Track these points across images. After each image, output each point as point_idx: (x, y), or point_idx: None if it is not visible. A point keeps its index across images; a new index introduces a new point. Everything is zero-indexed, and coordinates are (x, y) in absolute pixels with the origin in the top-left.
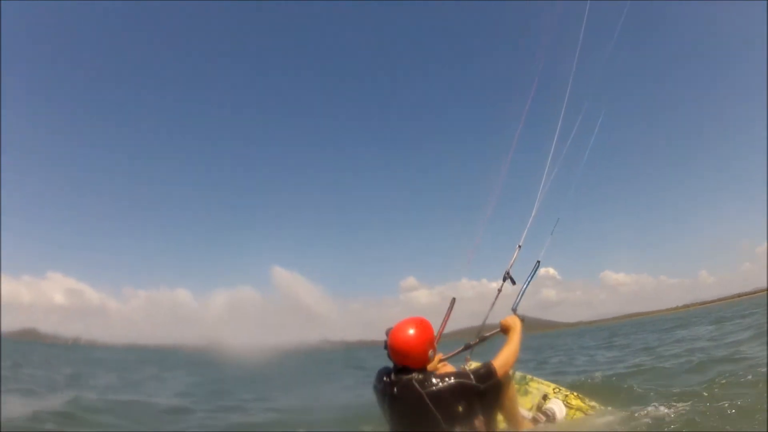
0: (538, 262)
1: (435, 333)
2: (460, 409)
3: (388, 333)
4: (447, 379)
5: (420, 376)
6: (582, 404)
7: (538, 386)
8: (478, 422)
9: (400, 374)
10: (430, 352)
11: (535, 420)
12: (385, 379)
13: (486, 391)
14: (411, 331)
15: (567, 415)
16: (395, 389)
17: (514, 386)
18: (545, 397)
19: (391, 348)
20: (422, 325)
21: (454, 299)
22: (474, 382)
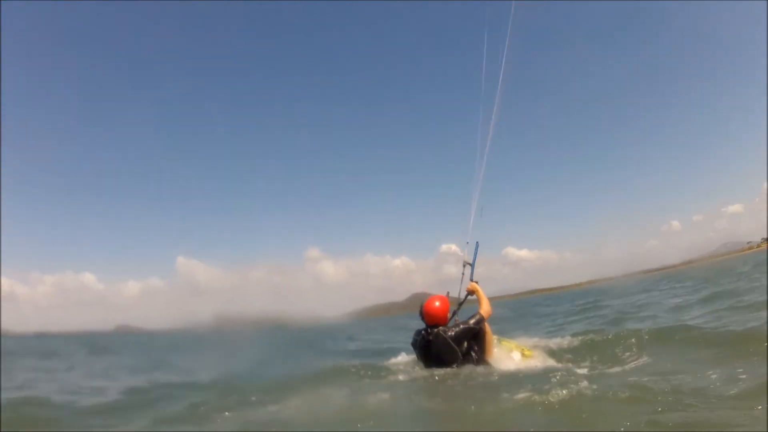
0: (477, 242)
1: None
2: (466, 344)
3: (421, 306)
4: (458, 327)
5: (444, 329)
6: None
7: (506, 344)
8: (474, 353)
9: (433, 329)
10: (449, 315)
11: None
12: (423, 333)
13: (479, 331)
14: (437, 303)
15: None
16: (431, 338)
17: (490, 331)
18: (510, 351)
19: (426, 314)
20: (443, 299)
21: (477, 243)
22: (473, 325)
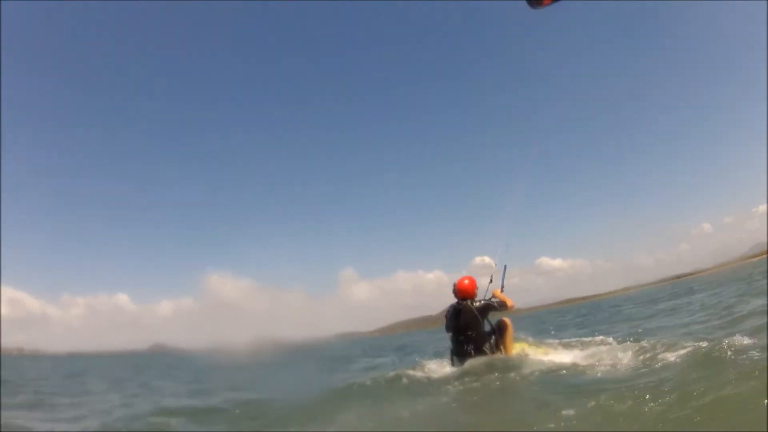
0: (505, 266)
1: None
2: (489, 326)
3: (454, 284)
4: (482, 302)
5: (471, 301)
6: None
7: (520, 345)
8: (494, 337)
9: (462, 301)
10: (476, 291)
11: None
12: (455, 305)
13: (504, 325)
14: (467, 281)
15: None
16: (460, 308)
17: (512, 329)
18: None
19: (458, 289)
20: (472, 278)
21: (505, 266)
22: (493, 303)
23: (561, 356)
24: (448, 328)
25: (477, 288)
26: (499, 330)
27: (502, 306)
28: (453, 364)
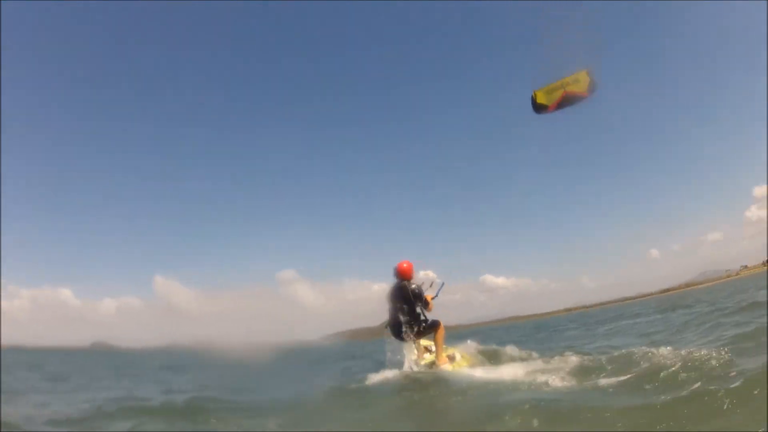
0: (443, 283)
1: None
2: (421, 315)
3: (396, 266)
4: (418, 288)
5: (409, 282)
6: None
7: (451, 349)
8: (424, 323)
9: (402, 282)
10: (413, 273)
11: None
12: (397, 283)
13: (437, 324)
14: (405, 264)
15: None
16: (401, 286)
17: (443, 331)
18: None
19: (399, 270)
20: (410, 262)
21: (443, 283)
22: (423, 295)
23: (495, 370)
24: (389, 300)
25: (414, 274)
26: (432, 326)
27: (425, 304)
28: (388, 333)
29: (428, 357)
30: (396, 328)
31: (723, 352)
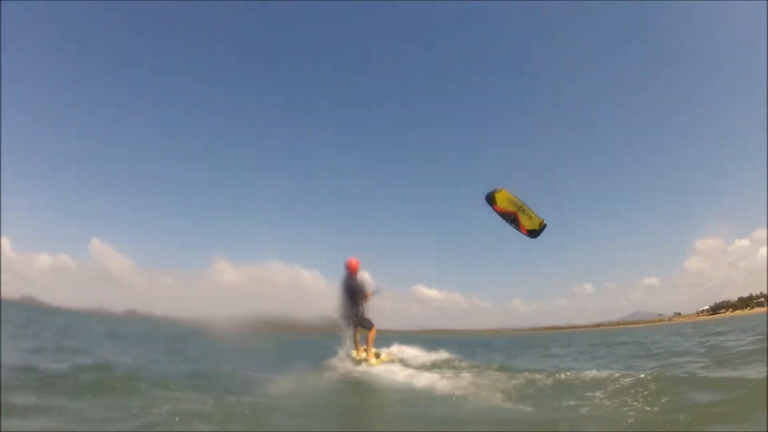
0: (379, 288)
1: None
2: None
3: (346, 262)
4: (362, 284)
5: (356, 279)
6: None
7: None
8: (364, 319)
9: (351, 278)
10: (359, 270)
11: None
12: (349, 278)
13: (368, 322)
14: (354, 261)
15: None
16: (350, 283)
17: (374, 332)
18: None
19: (351, 266)
20: (357, 261)
21: (379, 288)
22: (361, 287)
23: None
24: (343, 293)
25: (359, 271)
26: (368, 324)
27: (364, 297)
28: (342, 323)
29: (361, 354)
30: (347, 318)
31: None
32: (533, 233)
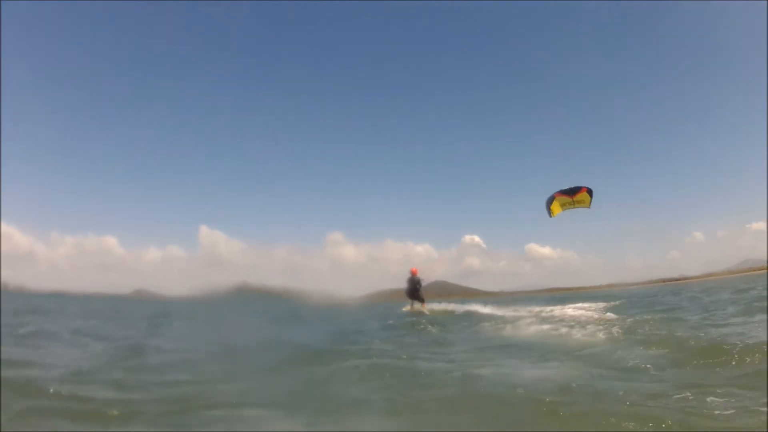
0: (424, 281)
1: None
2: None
3: (411, 270)
4: (420, 281)
5: (416, 277)
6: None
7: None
8: (421, 296)
9: (414, 276)
10: (418, 274)
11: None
12: (411, 276)
13: (420, 284)
14: (414, 269)
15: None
16: (413, 278)
17: (425, 304)
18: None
19: (412, 271)
20: (415, 270)
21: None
22: (419, 281)
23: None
24: (408, 282)
25: (418, 272)
26: (422, 298)
27: (420, 286)
28: (410, 304)
29: (417, 307)
30: (410, 294)
31: None
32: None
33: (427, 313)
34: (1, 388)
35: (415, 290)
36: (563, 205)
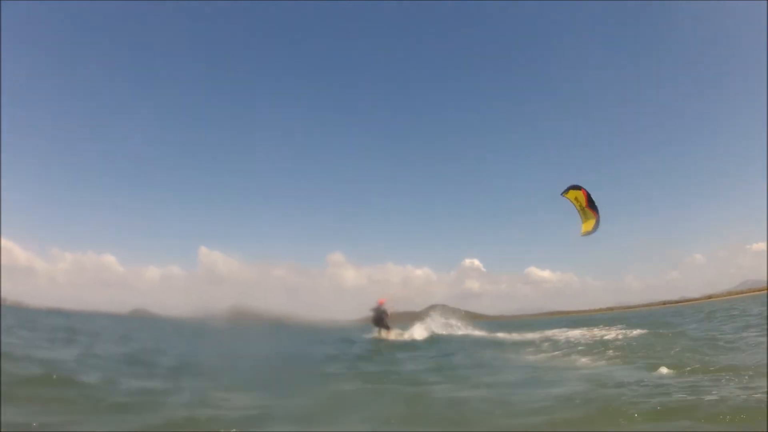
0: (387, 311)
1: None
2: (386, 322)
3: (378, 301)
4: (386, 312)
5: (381, 306)
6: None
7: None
8: (388, 326)
9: (380, 307)
10: (386, 305)
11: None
12: (376, 308)
13: (386, 314)
14: (381, 299)
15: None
16: (380, 310)
17: (391, 330)
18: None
19: (380, 302)
20: (382, 301)
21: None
22: (383, 312)
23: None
24: (374, 312)
25: (385, 302)
26: (387, 326)
27: (386, 315)
28: (377, 331)
29: (381, 335)
30: (375, 322)
31: None
32: (586, 233)
33: (392, 339)
34: (1, 386)
35: (380, 319)
36: (576, 200)
